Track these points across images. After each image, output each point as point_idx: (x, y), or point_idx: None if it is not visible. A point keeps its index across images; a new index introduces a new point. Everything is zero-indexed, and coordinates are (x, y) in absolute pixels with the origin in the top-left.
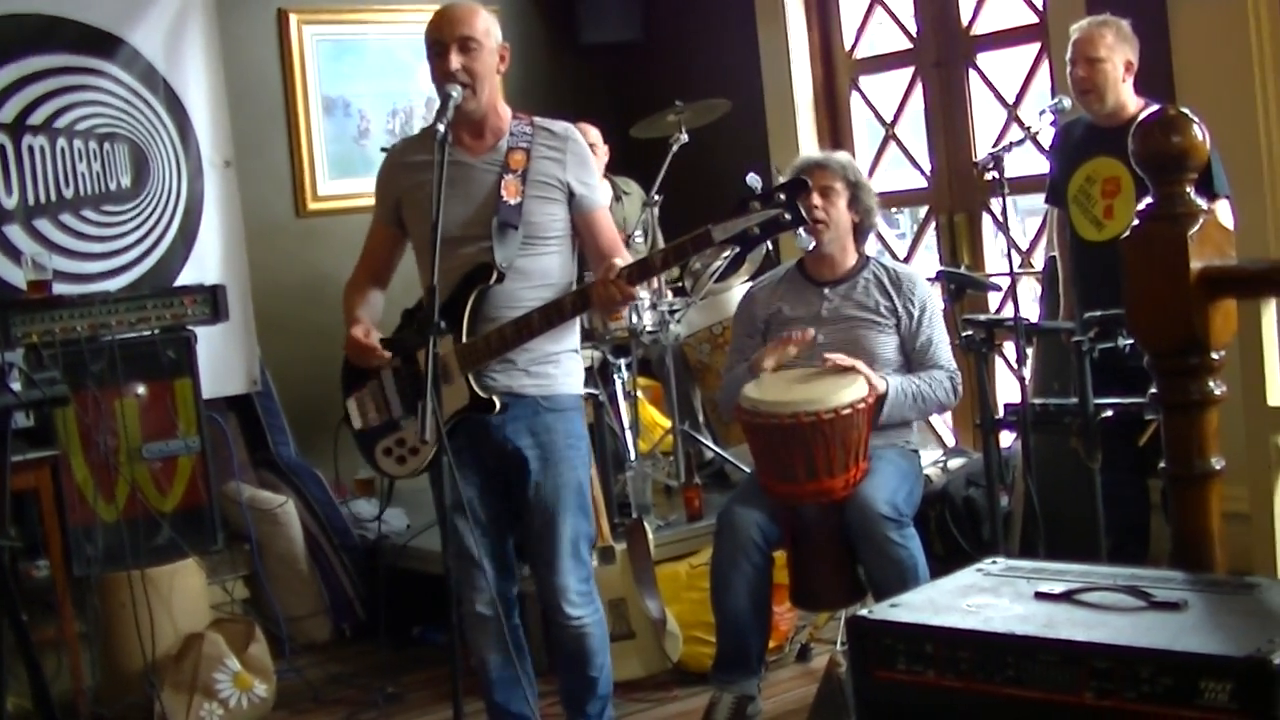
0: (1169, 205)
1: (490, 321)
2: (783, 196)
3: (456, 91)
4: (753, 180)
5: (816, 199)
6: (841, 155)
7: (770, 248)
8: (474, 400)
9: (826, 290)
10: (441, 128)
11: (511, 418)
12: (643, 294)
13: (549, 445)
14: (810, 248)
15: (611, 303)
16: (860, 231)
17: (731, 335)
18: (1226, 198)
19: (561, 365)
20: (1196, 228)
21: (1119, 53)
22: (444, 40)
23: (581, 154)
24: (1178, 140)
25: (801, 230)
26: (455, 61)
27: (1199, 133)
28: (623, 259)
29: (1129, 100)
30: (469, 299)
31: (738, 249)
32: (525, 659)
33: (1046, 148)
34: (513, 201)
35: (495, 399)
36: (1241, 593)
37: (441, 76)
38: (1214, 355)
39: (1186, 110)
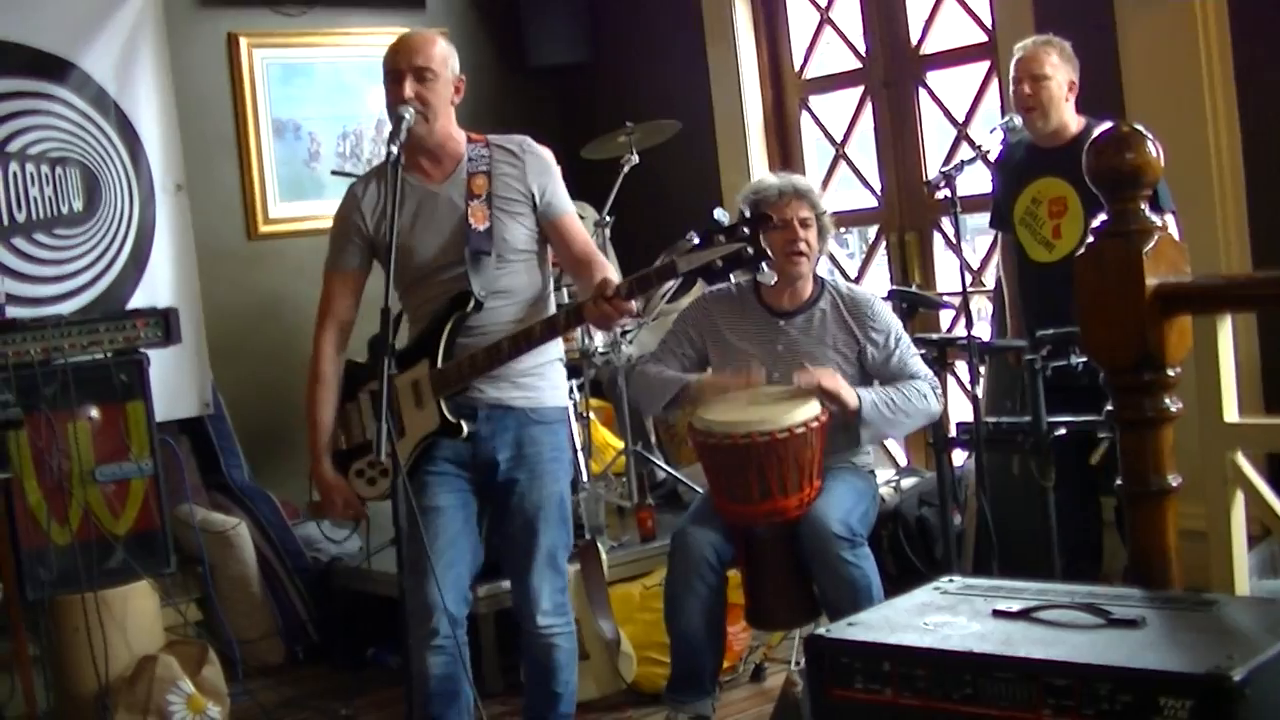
0: (1123, 222)
1: (467, 342)
2: (747, 231)
3: (409, 113)
4: (720, 214)
5: (799, 230)
6: (811, 183)
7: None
8: (443, 424)
9: (782, 322)
10: (394, 149)
11: (500, 429)
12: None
13: (534, 457)
14: (772, 282)
15: (608, 319)
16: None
17: (671, 329)
18: (1172, 212)
19: (546, 377)
20: (1151, 244)
21: (1062, 72)
22: (400, 68)
23: (541, 162)
24: (1131, 157)
25: (764, 265)
26: (409, 90)
27: (1152, 149)
28: (600, 264)
29: (1070, 120)
30: (446, 326)
31: (699, 279)
32: (464, 678)
33: (992, 164)
34: (481, 228)
35: (463, 424)
36: (1200, 609)
37: (395, 102)
38: (1169, 372)
39: (1140, 127)
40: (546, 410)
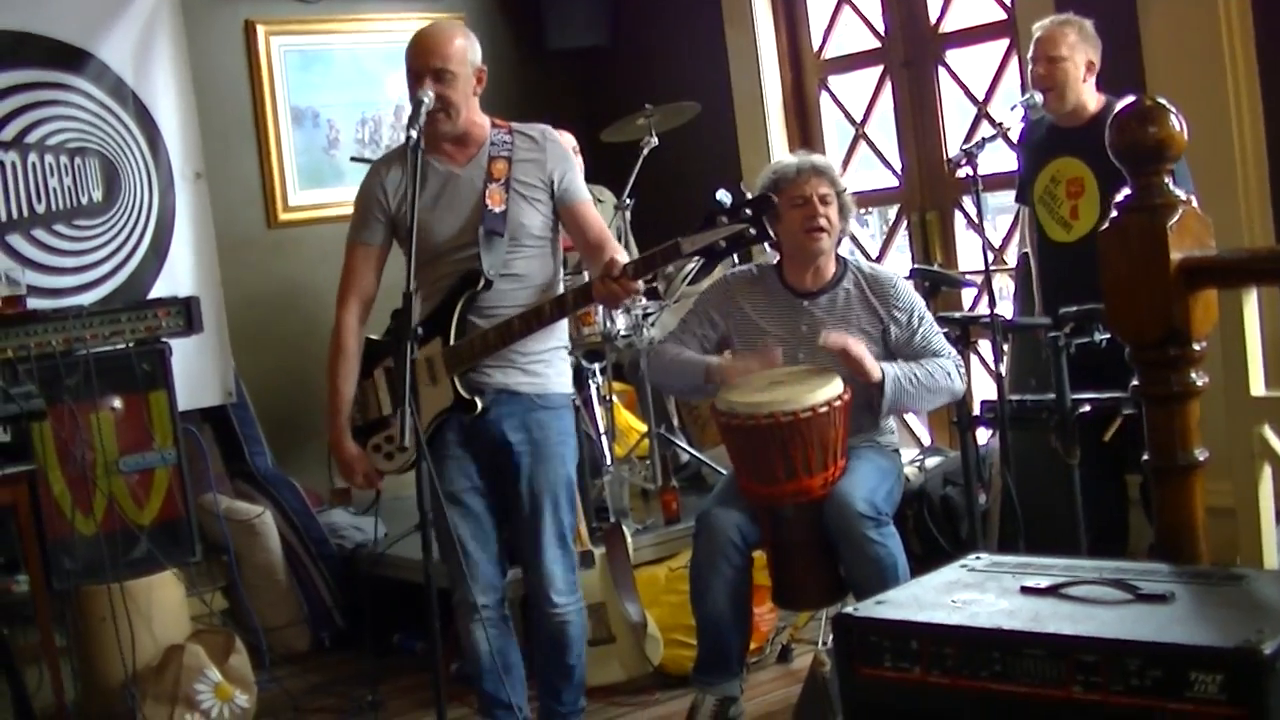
0: (1147, 196)
1: (478, 323)
2: (749, 212)
3: (428, 96)
4: (722, 195)
5: (818, 206)
6: (830, 161)
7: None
8: (457, 400)
9: (806, 303)
10: (414, 133)
11: (507, 413)
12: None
13: (541, 441)
14: (775, 262)
15: (615, 298)
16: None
17: (691, 309)
18: (1192, 195)
19: (552, 364)
20: (1176, 218)
21: (1080, 52)
22: (419, 71)
23: (560, 151)
24: (1154, 130)
25: (766, 245)
26: (430, 90)
27: (1176, 123)
28: (613, 249)
29: (1090, 99)
30: (458, 304)
31: (704, 261)
32: (514, 649)
33: (1016, 143)
34: (497, 210)
35: (477, 400)
36: (1228, 584)
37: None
38: (1195, 346)
39: (1163, 100)
40: (552, 396)
